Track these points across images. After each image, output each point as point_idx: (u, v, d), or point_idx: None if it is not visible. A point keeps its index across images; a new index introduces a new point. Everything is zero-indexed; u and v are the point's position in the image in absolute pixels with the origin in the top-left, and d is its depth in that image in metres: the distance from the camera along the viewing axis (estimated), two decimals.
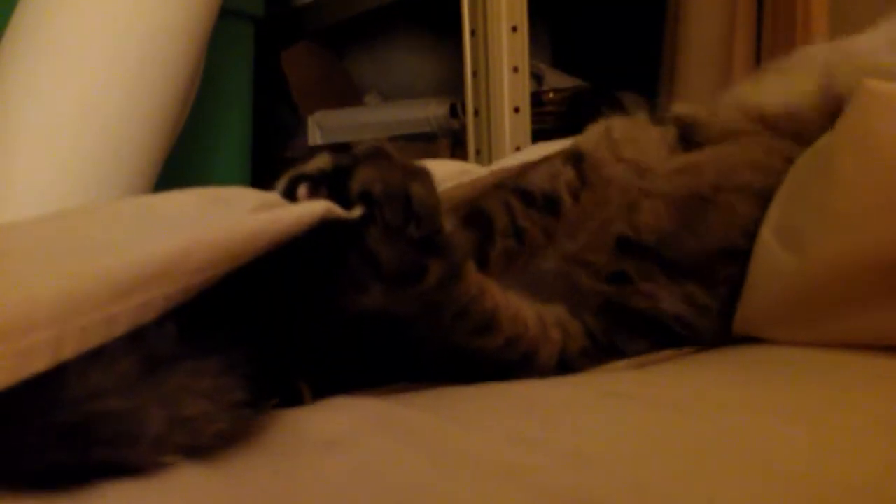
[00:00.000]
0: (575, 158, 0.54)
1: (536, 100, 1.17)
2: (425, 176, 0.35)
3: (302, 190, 0.33)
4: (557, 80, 1.27)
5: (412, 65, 1.47)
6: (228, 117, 1.17)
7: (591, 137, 0.56)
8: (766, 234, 0.45)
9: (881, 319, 0.38)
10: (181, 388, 0.25)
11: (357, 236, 0.33)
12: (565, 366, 0.45)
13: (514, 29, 1.08)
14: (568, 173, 0.53)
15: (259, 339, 0.28)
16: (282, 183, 0.34)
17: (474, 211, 0.52)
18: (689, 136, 0.53)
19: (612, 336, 0.47)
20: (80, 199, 0.80)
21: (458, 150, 1.24)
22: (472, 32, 1.10)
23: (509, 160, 0.60)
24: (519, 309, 0.43)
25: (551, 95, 1.18)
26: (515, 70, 1.07)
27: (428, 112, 1.30)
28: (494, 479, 0.26)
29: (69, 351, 0.23)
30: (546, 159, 0.55)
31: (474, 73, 1.10)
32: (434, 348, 0.40)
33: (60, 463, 0.22)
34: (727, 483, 0.25)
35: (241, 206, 0.32)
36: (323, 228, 0.31)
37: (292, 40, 1.51)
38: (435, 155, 1.25)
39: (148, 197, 0.36)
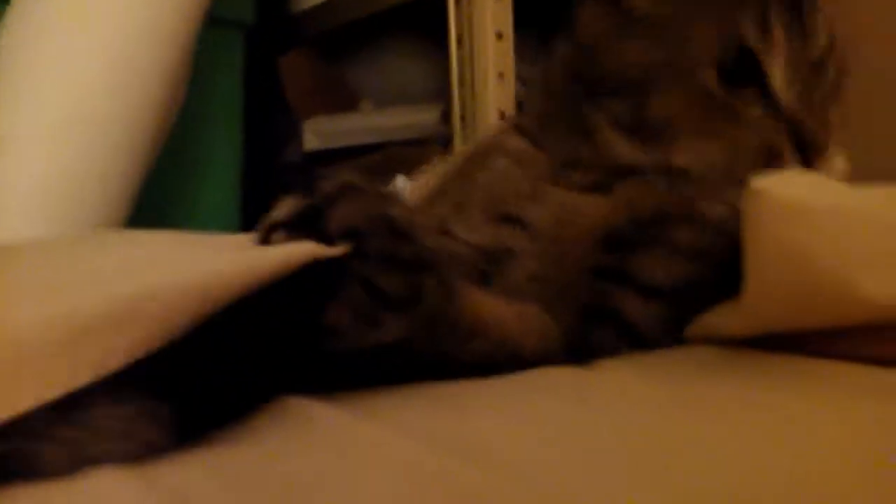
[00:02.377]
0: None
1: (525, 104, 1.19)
2: (397, 198, 0.38)
3: (278, 237, 0.36)
4: None
5: (406, 71, 1.49)
6: (217, 125, 1.20)
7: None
8: None
9: None
10: (89, 429, 0.28)
11: (352, 272, 0.35)
12: (545, 362, 0.47)
13: (500, 35, 1.11)
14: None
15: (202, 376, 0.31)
16: (258, 232, 0.37)
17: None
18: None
19: (586, 334, 0.50)
20: (60, 209, 0.82)
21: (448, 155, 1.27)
22: (459, 39, 1.13)
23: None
24: (502, 309, 0.45)
25: None
26: (501, 76, 1.10)
27: (420, 118, 1.33)
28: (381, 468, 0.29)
29: (25, 402, 0.25)
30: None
31: (461, 80, 1.13)
32: (425, 359, 0.41)
33: None
34: (606, 474, 0.28)
35: (220, 251, 0.35)
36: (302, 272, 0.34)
37: (288, 47, 1.55)
38: (426, 159, 1.28)
39: (128, 234, 0.38)
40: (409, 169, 1.29)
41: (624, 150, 0.54)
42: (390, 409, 0.36)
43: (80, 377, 0.26)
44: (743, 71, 0.51)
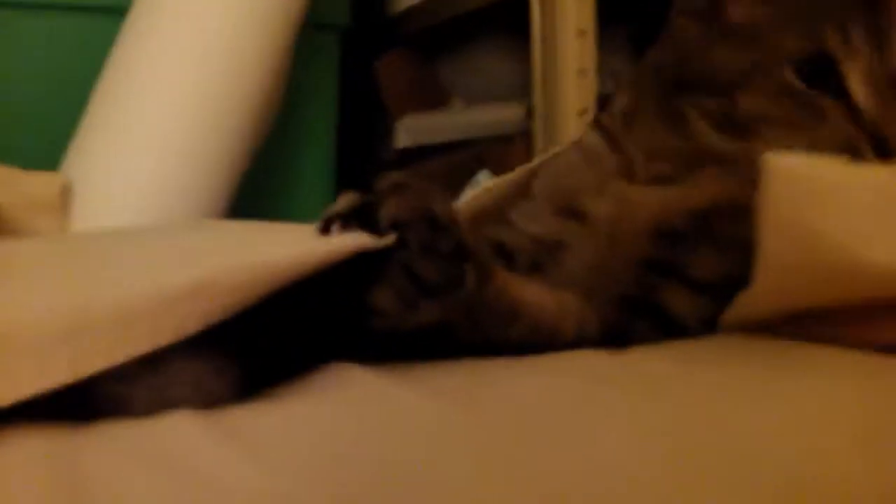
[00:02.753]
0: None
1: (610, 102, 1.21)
2: (443, 197, 0.43)
3: (335, 227, 0.41)
4: None
5: (495, 69, 1.54)
6: (314, 125, 1.28)
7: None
8: None
9: None
10: (168, 378, 0.34)
11: (397, 260, 0.40)
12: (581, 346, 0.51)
13: (582, 33, 1.14)
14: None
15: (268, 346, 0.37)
16: (319, 223, 0.42)
17: (492, 243, 0.59)
18: None
19: (624, 324, 0.53)
20: (168, 201, 0.92)
21: (532, 151, 1.31)
22: (542, 38, 1.17)
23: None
24: (540, 295, 0.49)
25: None
26: (582, 73, 1.13)
27: (506, 115, 1.37)
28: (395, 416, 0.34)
29: (120, 354, 0.32)
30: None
31: (543, 78, 1.16)
32: (466, 340, 0.46)
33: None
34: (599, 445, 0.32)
35: (285, 238, 0.41)
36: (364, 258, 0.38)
37: (383, 48, 1.62)
38: (511, 155, 1.32)
39: (208, 223, 0.43)
40: (493, 165, 1.34)
41: (714, 139, 0.57)
42: (431, 378, 0.40)
43: (163, 337, 0.33)
44: (824, 75, 0.54)
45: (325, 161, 1.30)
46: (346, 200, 0.42)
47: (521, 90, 1.46)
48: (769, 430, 0.35)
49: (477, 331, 0.45)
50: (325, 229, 0.41)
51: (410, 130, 1.50)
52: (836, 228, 0.39)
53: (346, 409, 0.35)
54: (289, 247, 0.39)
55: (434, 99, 1.60)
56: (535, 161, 0.72)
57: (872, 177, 0.42)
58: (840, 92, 0.54)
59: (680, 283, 0.52)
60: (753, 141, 0.55)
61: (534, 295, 0.49)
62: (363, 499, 0.30)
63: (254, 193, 1.08)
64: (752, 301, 0.45)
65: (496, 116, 1.40)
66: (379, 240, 0.40)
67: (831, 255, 0.39)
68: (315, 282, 0.38)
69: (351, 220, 0.41)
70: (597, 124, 0.67)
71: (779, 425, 0.35)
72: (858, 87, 0.54)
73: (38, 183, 0.85)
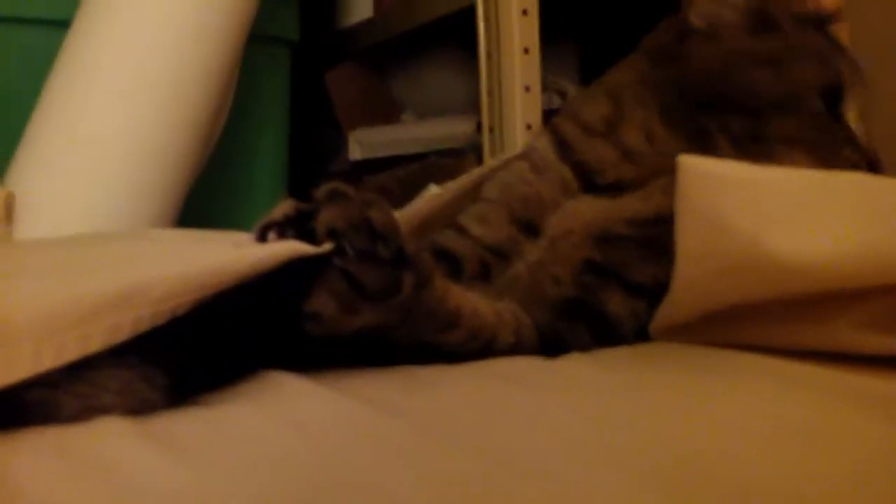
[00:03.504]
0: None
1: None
2: (381, 204, 0.44)
3: (271, 235, 0.41)
4: None
5: (445, 84, 1.55)
6: (265, 138, 1.28)
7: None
8: None
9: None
10: (97, 385, 0.34)
11: (336, 267, 0.40)
12: (518, 353, 0.52)
13: (526, 50, 1.16)
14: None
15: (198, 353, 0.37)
16: (254, 231, 0.43)
17: (439, 249, 0.60)
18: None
19: (562, 331, 0.55)
20: (109, 214, 0.90)
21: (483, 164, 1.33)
22: (488, 54, 1.19)
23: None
24: (477, 303, 0.51)
25: None
26: (527, 89, 1.15)
27: (457, 129, 1.39)
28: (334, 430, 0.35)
29: (47, 362, 0.31)
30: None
31: (489, 93, 1.18)
32: (404, 345, 0.47)
33: None
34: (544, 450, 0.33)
35: (219, 245, 0.41)
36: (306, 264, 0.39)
37: (335, 61, 1.63)
38: (461, 169, 1.34)
39: (147, 231, 0.44)
40: (443, 178, 1.35)
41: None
42: (361, 384, 0.41)
43: (92, 346, 0.33)
44: (834, 104, 0.59)
45: (277, 173, 1.31)
46: (282, 208, 0.43)
47: (472, 104, 1.49)
48: (674, 432, 0.36)
49: (414, 336, 0.46)
50: (261, 237, 0.42)
51: (364, 143, 1.51)
52: (744, 219, 0.41)
53: (277, 414, 0.36)
54: (222, 254, 0.39)
55: (385, 112, 1.62)
56: (485, 167, 0.73)
57: (784, 175, 0.45)
58: (840, 120, 0.59)
59: (618, 285, 0.54)
60: (773, 162, 0.57)
61: (473, 303, 0.50)
62: (294, 502, 0.30)
63: (206, 206, 1.07)
64: (674, 301, 0.47)
65: (447, 130, 1.41)
66: (314, 247, 0.41)
67: (740, 245, 0.41)
68: (248, 288, 0.39)
69: (287, 228, 0.42)
70: (551, 130, 0.69)
71: (684, 427, 0.37)
72: (854, 116, 0.59)
73: None
